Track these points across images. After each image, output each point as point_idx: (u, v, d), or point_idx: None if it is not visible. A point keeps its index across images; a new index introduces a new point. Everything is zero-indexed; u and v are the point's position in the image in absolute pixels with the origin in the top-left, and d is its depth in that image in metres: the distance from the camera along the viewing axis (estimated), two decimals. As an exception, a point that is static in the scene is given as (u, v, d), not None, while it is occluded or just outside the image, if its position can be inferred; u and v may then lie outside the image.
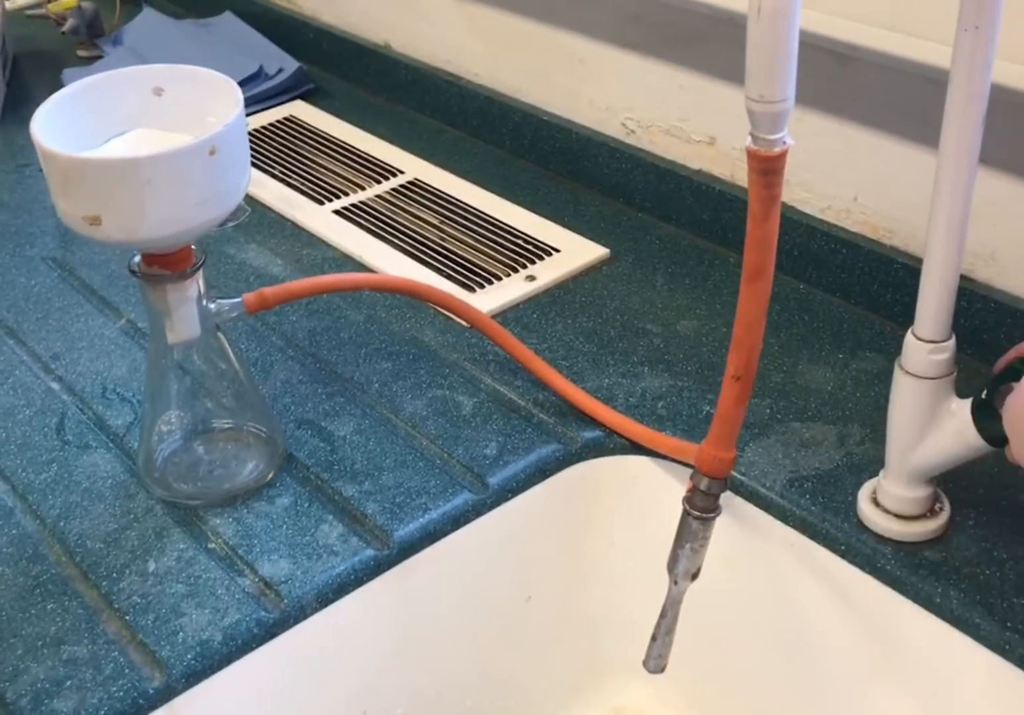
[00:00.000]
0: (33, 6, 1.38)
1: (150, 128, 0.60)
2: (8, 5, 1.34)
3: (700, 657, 0.72)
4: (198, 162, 0.55)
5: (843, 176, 0.79)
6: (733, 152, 0.86)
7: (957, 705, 0.60)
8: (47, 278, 0.86)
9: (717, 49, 0.83)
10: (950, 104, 0.51)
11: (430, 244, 0.89)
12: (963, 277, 0.57)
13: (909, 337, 0.57)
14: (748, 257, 0.51)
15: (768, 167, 0.48)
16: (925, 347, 0.56)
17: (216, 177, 0.56)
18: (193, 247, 0.60)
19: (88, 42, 1.25)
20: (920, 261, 0.56)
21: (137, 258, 0.60)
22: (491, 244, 0.88)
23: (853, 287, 0.80)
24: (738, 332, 0.53)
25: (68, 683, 0.55)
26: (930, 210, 0.54)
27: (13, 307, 0.83)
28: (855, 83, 0.75)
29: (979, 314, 0.72)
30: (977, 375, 0.71)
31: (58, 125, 0.57)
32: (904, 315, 0.77)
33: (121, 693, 0.55)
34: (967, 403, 0.57)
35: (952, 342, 0.56)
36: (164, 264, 0.59)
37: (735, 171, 0.86)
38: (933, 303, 0.55)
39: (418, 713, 0.71)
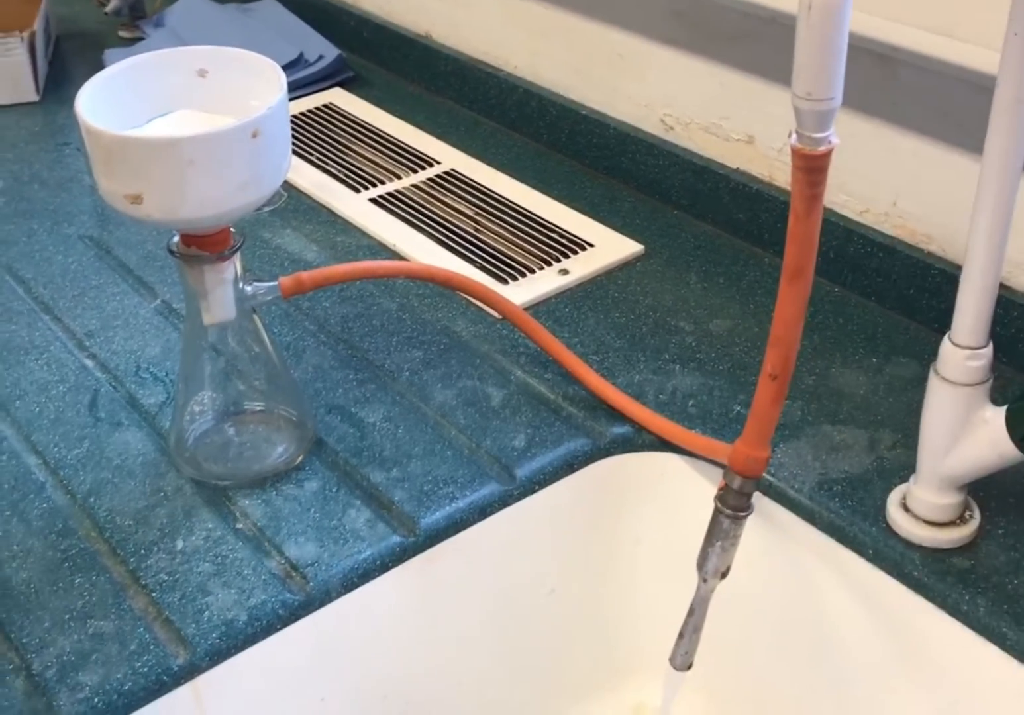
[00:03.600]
0: (77, -14, 1.39)
1: (193, 109, 0.60)
2: (52, -15, 1.35)
3: (722, 656, 0.72)
4: (240, 144, 0.55)
5: (883, 180, 0.79)
6: (772, 152, 0.85)
7: (981, 714, 0.60)
8: (84, 256, 0.87)
9: (759, 48, 0.83)
10: (996, 109, 0.50)
11: (464, 235, 0.89)
12: (1001, 285, 0.56)
13: (946, 343, 0.57)
14: (789, 256, 0.51)
15: (813, 165, 0.47)
16: (962, 353, 0.56)
17: (257, 160, 0.56)
18: (232, 229, 0.60)
19: (130, 23, 1.26)
20: (957, 267, 0.56)
21: (176, 238, 0.60)
22: (525, 237, 0.88)
23: (889, 291, 0.79)
24: (776, 330, 0.53)
25: (94, 657, 0.55)
26: (972, 215, 0.53)
27: (50, 284, 0.83)
28: (897, 86, 0.75)
29: (1016, 322, 0.72)
30: (1012, 383, 0.71)
31: (102, 104, 0.57)
32: (939, 321, 0.76)
33: (145, 669, 0.55)
34: (1002, 411, 0.57)
35: (989, 349, 0.56)
36: (202, 245, 0.59)
37: (773, 171, 0.86)
38: (971, 309, 0.55)
39: (437, 700, 0.71)
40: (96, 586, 0.59)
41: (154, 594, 0.59)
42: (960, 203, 0.75)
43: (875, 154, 0.78)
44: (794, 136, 0.47)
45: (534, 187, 0.95)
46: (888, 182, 0.78)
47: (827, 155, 0.47)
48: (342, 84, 1.15)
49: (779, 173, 0.86)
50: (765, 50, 0.82)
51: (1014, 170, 0.51)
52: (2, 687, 0.54)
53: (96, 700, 0.54)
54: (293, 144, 1.00)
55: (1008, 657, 0.57)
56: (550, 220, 0.91)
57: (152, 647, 0.56)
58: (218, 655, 0.57)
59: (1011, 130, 0.50)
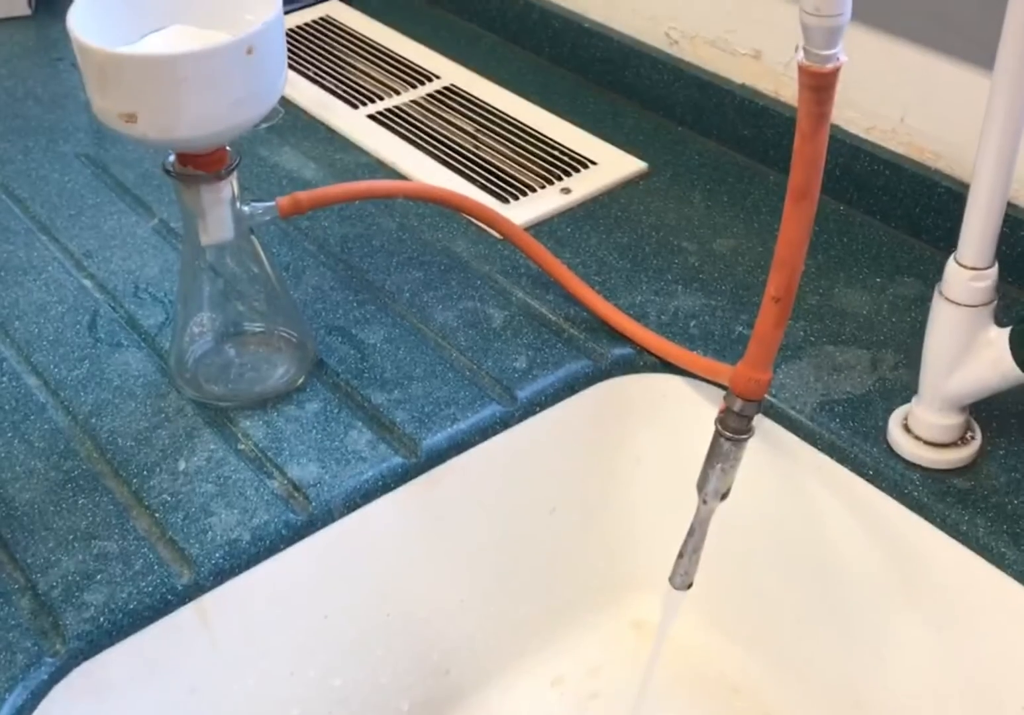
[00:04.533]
0: None
1: (187, 25, 0.59)
2: None
3: (721, 576, 0.73)
4: (235, 61, 0.54)
5: (891, 95, 0.77)
6: (778, 67, 0.84)
7: (979, 632, 0.61)
8: (80, 175, 0.86)
9: (768, -41, 0.81)
10: (1008, 24, 0.49)
11: (464, 152, 0.88)
12: (1008, 204, 0.55)
13: (951, 263, 0.56)
14: (794, 176, 0.50)
15: (820, 83, 0.46)
16: (967, 274, 0.55)
17: (253, 76, 0.55)
18: (228, 148, 0.59)
19: (122, -66, 1.23)
20: (965, 186, 0.55)
21: (172, 157, 0.59)
22: (526, 154, 0.87)
23: (895, 210, 0.78)
24: (780, 252, 0.52)
25: (98, 577, 0.56)
26: (980, 133, 0.52)
27: (46, 203, 0.82)
28: (909, -1, 0.73)
29: (1022, 242, 0.71)
30: (1017, 304, 0.71)
31: (95, 19, 0.56)
32: (945, 240, 0.76)
33: (150, 588, 0.56)
34: (1005, 332, 0.56)
35: (994, 270, 0.56)
36: (199, 164, 0.58)
37: (779, 87, 0.84)
38: (978, 229, 0.55)
39: (440, 619, 0.72)
40: (99, 507, 0.60)
41: (157, 515, 0.59)
42: (969, 120, 0.73)
43: (883, 69, 0.77)
44: (801, 52, 0.46)
45: (535, 103, 0.94)
46: (896, 98, 0.77)
47: (835, 73, 0.46)
48: (340, -4, 1.12)
49: (785, 89, 0.84)
50: (773, -39, 0.80)
51: (1025, 86, 0.50)
52: (8, 606, 0.55)
53: (102, 619, 0.54)
54: (289, 59, 0.98)
55: (1007, 576, 0.57)
56: (552, 137, 0.89)
57: (156, 567, 0.57)
58: (222, 575, 0.57)
59: (1023, 46, 0.49)
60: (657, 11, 0.91)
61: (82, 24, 0.54)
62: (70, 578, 0.56)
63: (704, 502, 0.61)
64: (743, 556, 0.72)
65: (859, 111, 0.79)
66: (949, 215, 0.75)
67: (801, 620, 0.70)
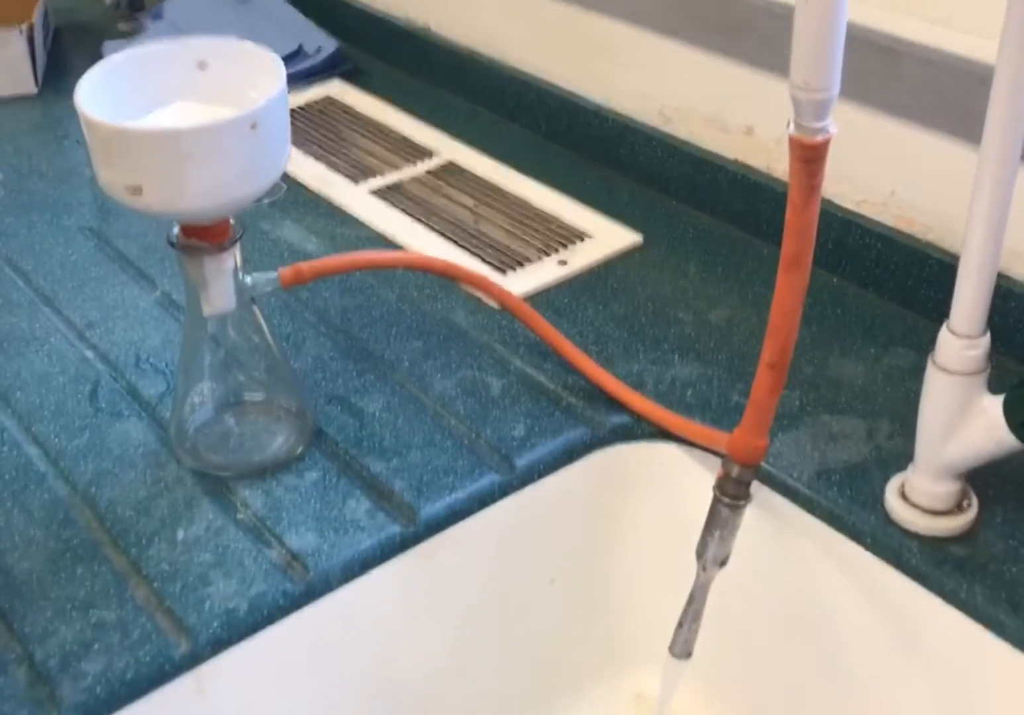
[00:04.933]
0: (76, -22, 1.39)
1: (193, 101, 0.60)
2: (51, -23, 1.35)
3: (722, 645, 0.72)
4: (239, 136, 0.55)
5: (881, 170, 0.79)
6: (770, 143, 0.86)
7: (978, 701, 0.60)
8: (84, 248, 0.87)
9: (758, 38, 0.83)
10: (994, 99, 0.51)
11: (463, 226, 0.89)
12: (999, 274, 0.56)
13: (943, 332, 0.57)
14: (786, 245, 0.51)
15: (810, 155, 0.47)
16: (959, 342, 0.56)
17: (257, 151, 0.56)
18: (231, 221, 0.60)
19: (129, 15, 1.26)
20: (956, 257, 0.56)
21: (176, 229, 0.60)
22: (524, 227, 0.89)
23: (887, 282, 0.79)
24: (774, 320, 0.53)
25: (96, 646, 0.56)
26: (970, 205, 0.53)
27: (50, 275, 0.83)
28: (897, 76, 0.75)
29: (1014, 311, 0.72)
30: (1010, 373, 0.71)
31: (102, 95, 0.57)
32: (938, 311, 0.76)
33: (148, 658, 0.55)
34: (999, 400, 0.57)
35: (987, 338, 0.56)
36: (202, 236, 0.59)
37: (771, 162, 0.86)
38: (969, 298, 0.55)
39: (438, 690, 0.71)
40: (98, 576, 0.59)
41: (155, 584, 0.59)
42: (958, 193, 0.74)
43: (873, 144, 0.78)
44: (792, 126, 0.47)
45: (533, 178, 0.95)
46: (886, 172, 0.79)
47: (825, 145, 0.47)
48: (341, 76, 1.15)
49: (778, 164, 0.86)
50: (763, 41, 0.82)
51: (1012, 159, 0.51)
52: (5, 677, 0.54)
53: (98, 689, 0.54)
54: (292, 136, 1.00)
55: (1006, 645, 0.57)
56: (549, 211, 0.91)
57: (154, 636, 0.56)
58: (219, 644, 0.57)
59: (1009, 120, 0.50)
60: (651, 89, 0.93)
61: (89, 100, 0.56)
62: (67, 647, 0.56)
63: (703, 569, 0.61)
64: (743, 624, 0.72)
65: (850, 185, 0.81)
66: (941, 286, 0.76)
67: (801, 688, 0.70)
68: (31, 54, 1.10)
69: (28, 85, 1.11)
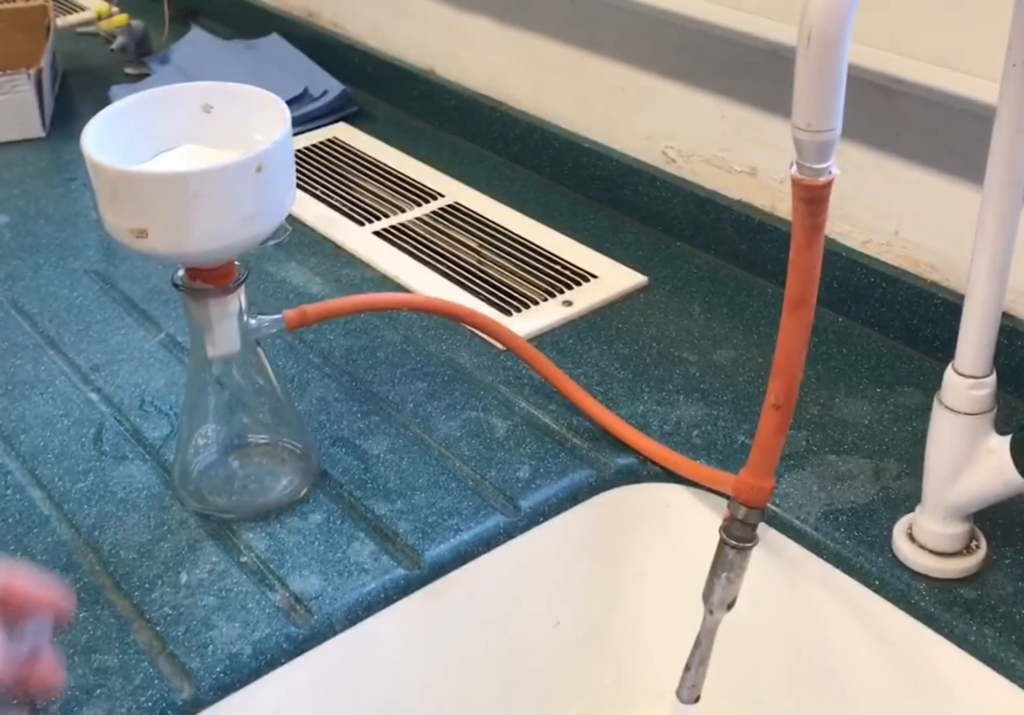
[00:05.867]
0: (84, 23, 1.40)
1: (198, 144, 0.61)
2: (59, 22, 1.36)
3: (729, 688, 0.71)
4: (245, 178, 0.55)
5: (885, 210, 0.79)
6: (774, 183, 0.86)
7: (989, 745, 0.60)
8: (89, 290, 0.87)
9: (760, 80, 0.83)
10: (996, 139, 0.51)
11: (468, 267, 0.89)
12: (1004, 313, 0.56)
13: (949, 372, 0.57)
14: (790, 286, 0.51)
15: (813, 196, 0.48)
16: (965, 382, 0.56)
17: (262, 194, 0.57)
18: (236, 263, 0.60)
19: (136, 60, 1.27)
20: (960, 297, 0.56)
21: (181, 272, 0.60)
22: (529, 269, 0.89)
23: (892, 321, 0.79)
24: (779, 361, 0.53)
25: (98, 691, 0.55)
26: (974, 244, 0.53)
27: (55, 318, 0.84)
28: (900, 117, 0.75)
29: (1020, 351, 0.72)
30: (1017, 413, 0.71)
31: (108, 139, 0.57)
32: (943, 351, 0.76)
33: (150, 704, 0.55)
34: (1006, 440, 0.57)
35: (993, 378, 0.56)
36: (207, 278, 0.59)
37: (775, 202, 0.86)
38: (974, 338, 0.55)
39: (443, 735, 0.71)
40: (100, 620, 0.59)
41: (158, 628, 0.59)
42: (962, 233, 0.75)
43: (877, 184, 0.79)
44: (795, 167, 0.47)
45: (537, 219, 0.96)
46: (890, 212, 0.79)
47: (828, 185, 0.47)
48: (346, 119, 1.15)
49: (781, 204, 0.86)
50: (766, 82, 0.83)
51: (1015, 199, 0.52)
52: (5, 722, 0.54)
53: (99, 735, 0.53)
54: (298, 178, 1.01)
55: (1016, 688, 0.56)
56: (553, 252, 0.91)
57: (156, 681, 0.56)
58: (222, 689, 0.57)
59: (1011, 160, 0.51)
60: (654, 131, 0.93)
61: (96, 143, 0.56)
62: (69, 693, 0.55)
63: (710, 612, 0.60)
64: (750, 667, 0.71)
65: (855, 225, 0.81)
66: (946, 326, 0.76)
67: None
68: (39, 98, 1.11)
69: (36, 129, 1.12)
